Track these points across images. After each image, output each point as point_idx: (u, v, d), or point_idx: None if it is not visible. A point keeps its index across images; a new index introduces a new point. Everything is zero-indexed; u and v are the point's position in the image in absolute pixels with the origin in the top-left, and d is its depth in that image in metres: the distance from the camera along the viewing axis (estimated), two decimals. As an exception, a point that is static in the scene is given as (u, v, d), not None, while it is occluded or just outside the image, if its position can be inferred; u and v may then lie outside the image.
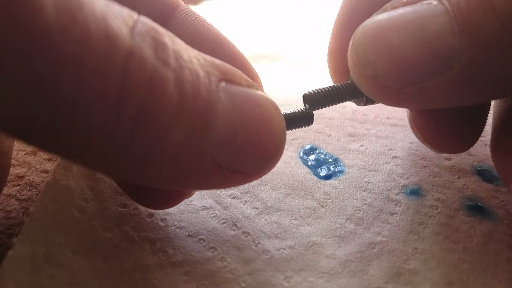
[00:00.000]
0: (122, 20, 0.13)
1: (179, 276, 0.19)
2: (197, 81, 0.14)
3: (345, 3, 0.21)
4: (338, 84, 0.19)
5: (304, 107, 0.19)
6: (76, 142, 0.13)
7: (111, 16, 0.12)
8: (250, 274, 0.19)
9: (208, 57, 0.15)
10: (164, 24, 0.20)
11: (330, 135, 0.26)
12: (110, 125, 0.12)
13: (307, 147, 0.26)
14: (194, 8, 0.47)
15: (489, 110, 0.22)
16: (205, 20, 0.21)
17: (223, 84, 0.15)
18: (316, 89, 0.19)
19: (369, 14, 0.18)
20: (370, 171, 0.24)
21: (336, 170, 0.24)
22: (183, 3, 0.21)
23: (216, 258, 0.19)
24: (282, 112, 0.19)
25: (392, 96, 0.17)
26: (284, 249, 0.20)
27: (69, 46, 0.11)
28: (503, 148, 0.19)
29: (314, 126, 0.27)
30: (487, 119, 0.22)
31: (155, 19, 0.17)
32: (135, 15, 0.13)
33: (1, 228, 0.21)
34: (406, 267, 0.19)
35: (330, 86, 0.19)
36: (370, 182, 0.23)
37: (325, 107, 0.19)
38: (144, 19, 0.14)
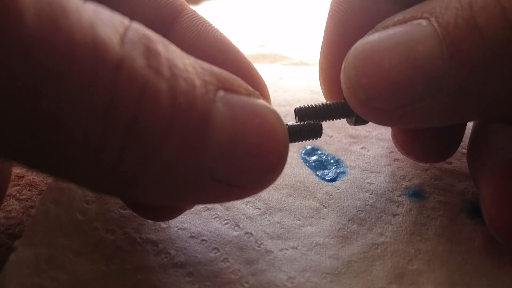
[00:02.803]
0: (112, 27, 0.12)
1: (182, 277, 0.19)
2: (192, 91, 0.13)
3: (333, 21, 0.21)
4: (331, 102, 0.19)
5: (313, 121, 0.19)
6: (61, 161, 0.12)
7: (100, 24, 0.12)
8: (253, 274, 0.19)
9: (206, 65, 0.14)
10: (168, 28, 0.20)
11: (331, 136, 0.26)
12: (96, 143, 0.12)
13: (309, 147, 0.26)
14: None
15: (466, 125, 0.23)
16: (211, 24, 0.20)
17: (221, 93, 0.14)
18: (308, 105, 0.19)
19: (358, 32, 0.18)
20: (372, 172, 0.24)
21: (338, 171, 0.24)
22: (188, 6, 0.20)
23: (219, 259, 0.19)
24: (289, 123, 0.18)
25: (384, 118, 0.17)
26: (287, 249, 0.20)
27: (51, 60, 0.11)
28: (474, 157, 0.21)
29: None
30: (464, 131, 0.23)
31: (159, 23, 0.16)
32: (126, 21, 0.13)
33: (1, 228, 0.21)
34: (409, 268, 0.19)
35: (322, 103, 0.19)
36: (372, 183, 0.23)
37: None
38: (136, 26, 0.13)
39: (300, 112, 0.19)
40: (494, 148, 0.20)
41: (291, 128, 0.19)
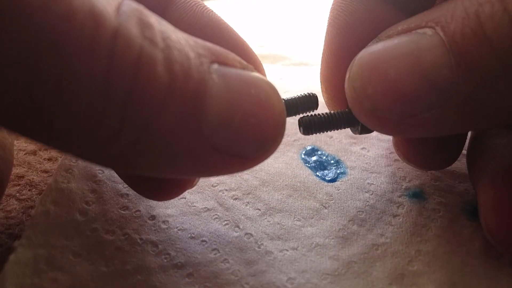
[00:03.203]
0: (107, 0, 0.12)
1: (182, 278, 0.18)
2: (187, 61, 0.13)
3: (334, 28, 0.21)
4: (335, 112, 0.19)
5: (306, 92, 0.19)
6: (64, 128, 0.12)
7: None
8: (253, 275, 0.19)
9: (199, 40, 0.15)
10: (163, 10, 0.20)
11: (331, 137, 0.26)
12: (98, 107, 0.12)
13: (309, 148, 0.26)
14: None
15: (467, 132, 0.23)
16: (205, 5, 0.21)
17: (215, 66, 0.14)
18: (312, 115, 0.19)
19: (360, 39, 0.18)
20: (372, 173, 0.24)
21: (339, 171, 0.24)
22: None
23: (219, 259, 0.19)
24: (285, 97, 0.18)
25: (391, 128, 0.17)
26: (287, 250, 0.20)
27: (53, 21, 0.11)
28: (472, 162, 0.21)
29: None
30: (466, 139, 0.23)
31: (154, 4, 0.17)
32: None
33: (1, 228, 0.21)
34: (410, 269, 0.19)
35: (326, 113, 0.19)
36: (373, 184, 0.23)
37: (319, 133, 0.19)
38: (128, 1, 0.13)
39: (304, 123, 0.19)
40: (492, 154, 0.20)
41: (287, 101, 0.18)
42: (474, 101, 0.15)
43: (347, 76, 0.17)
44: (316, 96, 0.19)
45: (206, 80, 0.14)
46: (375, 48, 0.17)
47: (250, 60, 0.20)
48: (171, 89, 0.13)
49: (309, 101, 0.19)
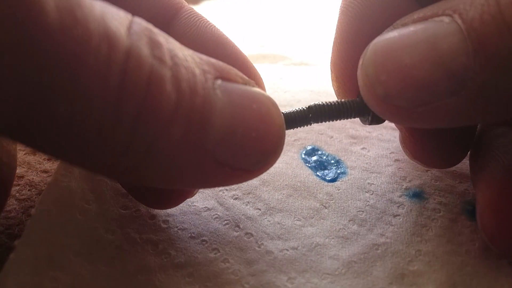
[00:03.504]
0: (119, 20, 0.13)
1: (182, 278, 0.18)
2: (193, 78, 0.14)
3: (346, 17, 0.21)
4: (345, 100, 0.19)
5: (305, 106, 0.19)
6: (76, 143, 0.13)
7: (109, 17, 0.13)
8: (253, 275, 0.19)
9: (204, 56, 0.15)
10: (167, 25, 0.20)
11: (332, 137, 0.26)
12: (109, 124, 0.12)
13: (309, 148, 0.26)
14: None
15: (476, 130, 0.22)
16: (208, 21, 0.21)
17: (219, 82, 0.15)
18: (322, 103, 0.19)
19: (373, 28, 0.18)
20: (372, 173, 0.24)
21: (339, 171, 0.24)
22: (186, 4, 0.21)
23: (219, 259, 0.19)
24: (283, 111, 0.18)
25: (404, 116, 0.17)
26: (287, 250, 0.20)
27: (70, 45, 0.11)
28: (474, 162, 0.21)
29: (316, 127, 0.27)
30: (473, 138, 0.22)
31: (159, 20, 0.17)
32: (129, 16, 0.14)
33: (0, 228, 0.21)
34: (410, 269, 0.19)
35: (337, 101, 0.19)
36: (373, 184, 0.23)
37: (329, 121, 0.19)
38: (138, 20, 0.14)
39: (314, 110, 0.19)
40: (493, 153, 0.20)
41: (285, 115, 0.18)
42: (489, 90, 0.15)
43: (360, 62, 0.17)
44: (314, 109, 0.19)
45: (211, 96, 0.14)
46: (390, 35, 0.17)
47: (250, 74, 0.21)
48: (179, 106, 0.13)
49: (307, 114, 0.19)
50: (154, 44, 0.13)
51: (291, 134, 0.26)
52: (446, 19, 0.15)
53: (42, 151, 0.14)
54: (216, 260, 0.19)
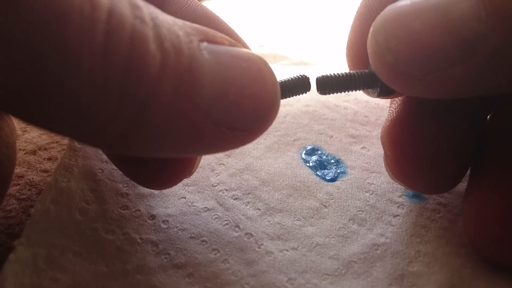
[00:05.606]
0: None
1: (182, 278, 0.18)
2: (176, 39, 0.14)
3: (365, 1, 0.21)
4: (354, 71, 0.18)
5: (300, 74, 0.19)
6: (67, 107, 0.13)
7: None
8: (253, 276, 0.19)
9: (187, 22, 0.15)
10: (160, 5, 0.21)
11: (331, 136, 0.26)
12: (98, 85, 0.12)
13: (309, 147, 0.26)
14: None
15: (468, 162, 0.20)
16: (198, 2, 0.22)
17: (204, 44, 0.15)
18: (329, 73, 0.18)
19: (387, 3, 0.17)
20: (372, 172, 0.24)
21: (339, 171, 0.24)
22: None
23: (219, 260, 0.19)
24: (278, 80, 0.18)
25: (413, 84, 0.16)
26: (287, 250, 0.20)
27: (55, 3, 0.12)
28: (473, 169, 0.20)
29: (315, 127, 0.27)
30: (467, 169, 0.20)
31: (151, 2, 0.17)
32: None
33: (0, 227, 0.21)
34: (409, 270, 0.19)
35: (345, 72, 0.18)
36: (373, 183, 0.23)
37: (337, 93, 0.19)
38: None
39: (321, 81, 0.18)
40: (488, 161, 0.19)
41: (280, 83, 0.18)
42: (501, 56, 0.15)
43: (370, 30, 0.17)
44: (308, 78, 0.18)
45: (197, 56, 0.14)
46: (402, 3, 0.16)
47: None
48: (164, 65, 0.13)
49: (302, 82, 0.18)
50: (134, 6, 0.14)
51: (290, 134, 0.26)
52: None
53: (34, 121, 0.13)
54: (216, 260, 0.19)
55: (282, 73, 0.32)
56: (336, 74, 0.18)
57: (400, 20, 0.16)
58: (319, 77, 0.18)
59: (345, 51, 0.22)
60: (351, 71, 0.18)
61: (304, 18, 0.43)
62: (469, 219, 0.18)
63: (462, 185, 0.23)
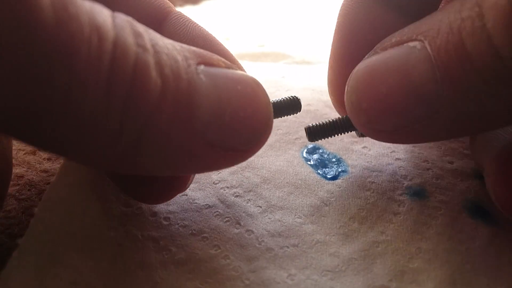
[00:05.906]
0: (104, 14, 0.14)
1: (183, 274, 0.19)
2: (175, 64, 0.15)
3: (339, 34, 0.22)
4: (337, 119, 0.21)
5: (291, 95, 0.20)
6: (73, 132, 0.13)
7: (95, 12, 0.13)
8: (254, 271, 0.19)
9: (184, 45, 0.16)
10: (159, 26, 0.22)
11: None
12: (101, 111, 0.13)
13: (310, 146, 0.26)
14: (194, 8, 0.47)
15: None
16: (195, 22, 0.22)
17: (201, 67, 0.16)
18: (317, 123, 0.21)
19: (364, 44, 0.19)
20: (373, 171, 0.24)
21: (340, 170, 0.24)
22: (175, 8, 0.23)
23: (220, 256, 0.19)
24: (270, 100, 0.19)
25: (386, 137, 0.19)
26: (287, 247, 0.20)
27: (66, 38, 0.12)
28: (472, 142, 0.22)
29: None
30: None
31: (150, 22, 0.18)
32: (110, 11, 0.14)
33: (0, 228, 0.21)
34: (410, 266, 0.19)
35: (330, 120, 0.21)
36: (374, 182, 0.23)
37: (324, 139, 0.22)
38: (119, 14, 0.14)
39: (311, 131, 0.21)
40: (496, 132, 0.20)
41: (272, 104, 0.19)
42: (459, 113, 0.16)
43: (346, 89, 0.19)
44: (299, 100, 0.21)
45: (194, 80, 0.15)
46: (370, 62, 0.18)
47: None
48: (164, 91, 0.14)
49: (293, 104, 0.20)
50: (137, 34, 0.14)
51: (292, 133, 0.26)
52: (418, 45, 0.16)
53: (41, 145, 0.14)
54: (216, 256, 0.19)
55: (285, 72, 0.32)
56: (322, 123, 0.21)
57: (369, 83, 0.18)
58: (307, 127, 0.21)
59: (328, 89, 0.24)
60: (335, 119, 0.21)
61: (306, 16, 0.43)
62: (497, 183, 0.19)
63: (464, 183, 0.23)
